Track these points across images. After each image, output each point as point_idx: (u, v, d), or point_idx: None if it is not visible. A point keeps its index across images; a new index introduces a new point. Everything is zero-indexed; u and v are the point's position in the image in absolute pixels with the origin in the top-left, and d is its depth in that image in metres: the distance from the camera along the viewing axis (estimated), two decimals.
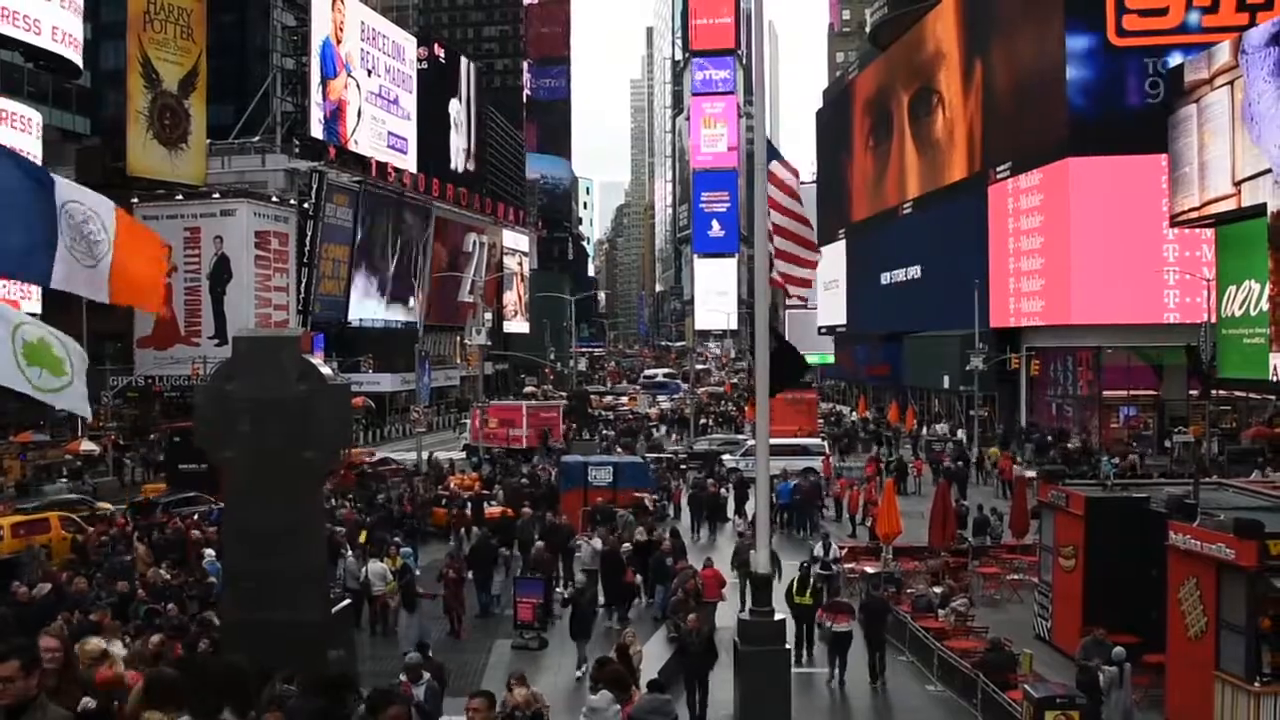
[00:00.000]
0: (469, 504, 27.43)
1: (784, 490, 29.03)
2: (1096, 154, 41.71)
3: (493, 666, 16.88)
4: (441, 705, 11.15)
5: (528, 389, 78.88)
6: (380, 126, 71.98)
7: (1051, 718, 12.01)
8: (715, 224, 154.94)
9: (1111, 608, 15.70)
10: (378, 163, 68.49)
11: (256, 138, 62.27)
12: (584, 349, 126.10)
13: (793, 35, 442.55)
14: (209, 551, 19.71)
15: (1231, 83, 31.09)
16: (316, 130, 63.37)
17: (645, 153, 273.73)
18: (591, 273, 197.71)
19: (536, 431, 44.61)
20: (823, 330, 79.39)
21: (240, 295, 55.04)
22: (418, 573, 20.27)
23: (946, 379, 53.21)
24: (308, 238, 59.39)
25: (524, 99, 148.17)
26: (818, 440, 39.63)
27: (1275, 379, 30.48)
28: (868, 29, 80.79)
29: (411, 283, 71.82)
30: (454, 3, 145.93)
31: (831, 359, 79.96)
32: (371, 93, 70.66)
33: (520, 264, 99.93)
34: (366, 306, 66.23)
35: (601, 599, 19.88)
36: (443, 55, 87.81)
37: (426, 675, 11.59)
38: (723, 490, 30.80)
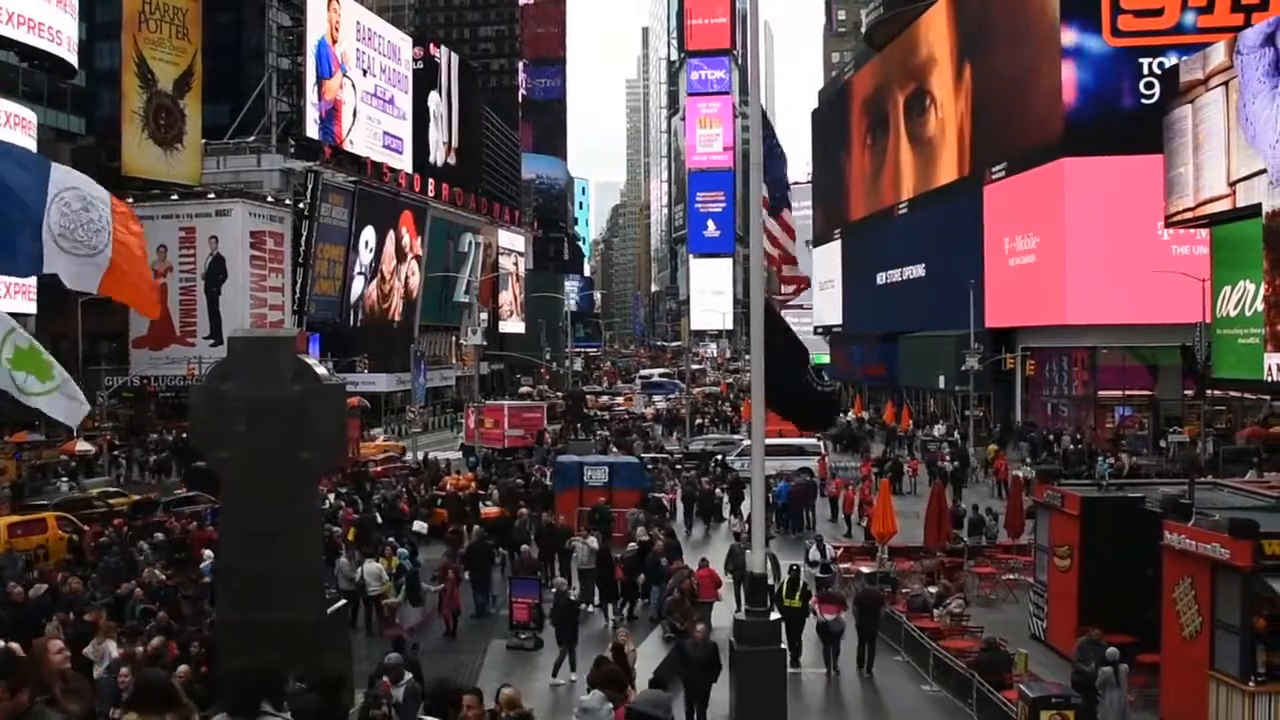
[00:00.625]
0: (467, 506, 27.36)
1: (782, 490, 29.06)
2: (1091, 154, 41.79)
3: (488, 666, 16.93)
4: (420, 705, 11.13)
5: (523, 389, 78.82)
6: (376, 126, 71.77)
7: (1047, 718, 12.00)
8: (711, 224, 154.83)
9: (1107, 608, 15.69)
10: (373, 162, 68.39)
11: (252, 138, 62.09)
12: (579, 349, 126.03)
13: (788, 35, 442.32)
14: (207, 552, 19.66)
15: (1227, 83, 31.06)
16: (312, 130, 63.19)
17: (641, 153, 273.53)
18: (587, 273, 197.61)
19: (529, 432, 44.53)
20: (818, 330, 79.40)
21: (235, 295, 54.95)
22: (418, 569, 20.28)
23: (942, 379, 53.28)
24: (303, 238, 59.30)
25: (519, 99, 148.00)
26: (813, 440, 39.60)
27: (1270, 379, 30.45)
28: (863, 29, 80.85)
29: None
30: (450, 3, 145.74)
31: (827, 359, 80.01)
32: (367, 93, 70.46)
33: (516, 264, 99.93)
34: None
35: (596, 599, 19.90)
36: (438, 55, 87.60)
37: (408, 675, 11.60)
38: (718, 490, 30.80)
